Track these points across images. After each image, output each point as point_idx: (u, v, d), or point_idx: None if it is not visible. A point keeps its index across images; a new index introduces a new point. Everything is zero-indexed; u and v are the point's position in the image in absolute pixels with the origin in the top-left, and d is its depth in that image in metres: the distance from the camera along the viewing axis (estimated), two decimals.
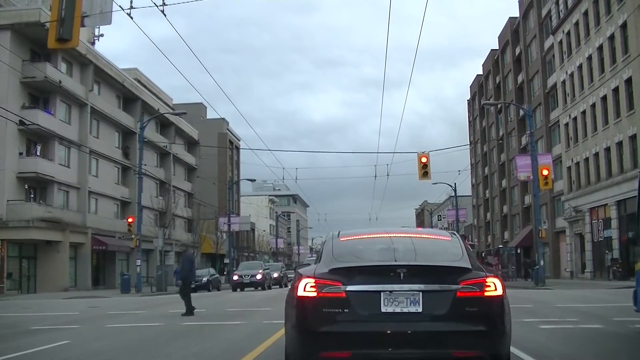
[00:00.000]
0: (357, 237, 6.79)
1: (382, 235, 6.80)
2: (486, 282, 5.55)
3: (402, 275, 5.48)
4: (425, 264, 5.79)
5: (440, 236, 7.05)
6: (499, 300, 5.56)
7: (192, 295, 16.40)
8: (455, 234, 6.76)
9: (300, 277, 5.81)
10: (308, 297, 5.56)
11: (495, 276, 5.66)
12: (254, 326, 11.82)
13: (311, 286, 5.57)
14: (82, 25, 12.50)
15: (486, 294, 5.50)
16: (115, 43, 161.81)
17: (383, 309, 5.45)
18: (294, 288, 5.80)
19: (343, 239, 6.61)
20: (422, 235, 7.07)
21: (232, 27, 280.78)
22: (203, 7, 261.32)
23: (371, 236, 6.95)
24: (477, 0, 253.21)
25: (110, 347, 9.20)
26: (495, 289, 5.56)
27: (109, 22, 12.48)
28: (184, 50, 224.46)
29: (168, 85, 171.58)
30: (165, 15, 16.94)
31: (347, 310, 5.44)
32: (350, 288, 5.48)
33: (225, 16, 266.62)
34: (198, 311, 16.89)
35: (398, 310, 5.44)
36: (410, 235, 6.78)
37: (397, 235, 6.73)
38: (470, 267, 5.73)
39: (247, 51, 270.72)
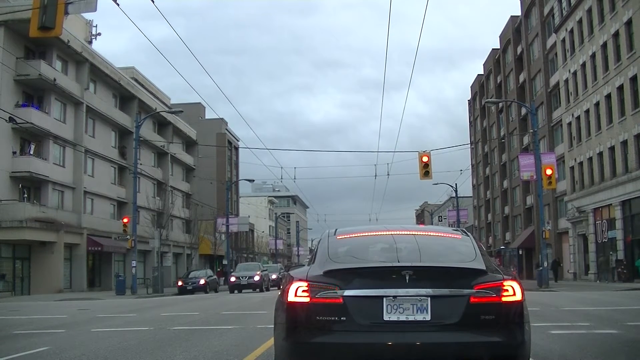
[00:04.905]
0: (355, 235, 6.05)
1: (384, 233, 6.07)
2: (504, 285, 4.86)
3: (407, 278, 4.78)
4: (434, 265, 5.09)
5: (449, 234, 6.33)
6: (518, 306, 4.87)
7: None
8: (466, 232, 6.04)
9: (291, 280, 5.11)
10: (300, 302, 4.86)
11: (514, 279, 4.96)
12: (247, 332, 11.16)
13: (303, 290, 4.88)
14: (66, 13, 11.82)
15: (504, 299, 4.81)
16: (115, 44, 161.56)
17: (386, 317, 4.76)
18: (284, 292, 5.10)
19: (340, 237, 5.89)
20: (428, 233, 6.30)
21: (232, 29, 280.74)
22: (203, 9, 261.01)
23: (371, 234, 6.22)
24: (477, 2, 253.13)
25: (87, 356, 8.51)
26: (514, 294, 4.86)
27: (94, 9, 11.78)
28: (183, 52, 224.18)
29: (168, 86, 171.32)
30: (156, 6, 16.31)
31: (345, 318, 4.75)
32: (348, 293, 4.79)
33: (225, 18, 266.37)
34: (191, 314, 16.25)
35: (403, 318, 4.75)
36: (415, 233, 6.05)
37: (400, 232, 5.99)
38: (485, 268, 5.03)
39: (247, 52, 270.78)
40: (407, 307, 4.77)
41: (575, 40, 43.20)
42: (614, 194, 37.03)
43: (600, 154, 39.46)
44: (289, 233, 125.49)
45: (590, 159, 41.25)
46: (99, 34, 51.25)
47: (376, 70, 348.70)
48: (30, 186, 38.98)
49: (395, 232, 5.96)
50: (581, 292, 25.19)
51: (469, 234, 6.00)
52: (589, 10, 40.50)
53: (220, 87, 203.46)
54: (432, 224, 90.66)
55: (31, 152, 38.48)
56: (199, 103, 67.59)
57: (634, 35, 34.12)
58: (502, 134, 68.25)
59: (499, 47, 69.67)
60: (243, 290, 37.54)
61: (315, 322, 4.79)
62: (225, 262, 57.26)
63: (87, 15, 47.85)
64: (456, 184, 60.60)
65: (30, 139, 38.48)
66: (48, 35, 12.30)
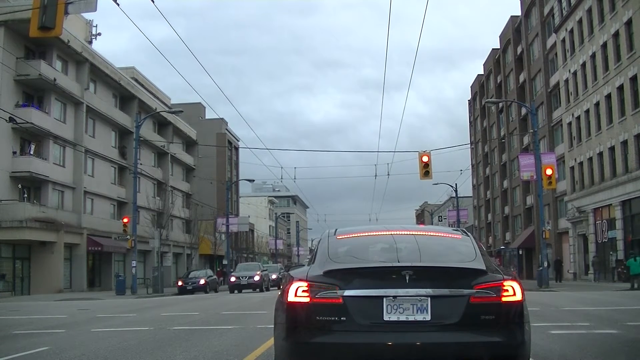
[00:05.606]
0: (355, 235, 6.05)
1: (384, 233, 6.07)
2: (504, 285, 4.85)
3: (407, 278, 4.78)
4: (434, 265, 5.09)
5: (449, 234, 6.33)
6: (519, 306, 4.87)
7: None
8: (466, 232, 6.04)
9: (291, 280, 5.11)
10: (300, 303, 4.86)
11: (514, 279, 4.95)
12: (247, 332, 11.16)
13: (303, 290, 4.87)
14: (66, 13, 11.82)
15: (504, 299, 4.81)
16: (115, 44, 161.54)
17: (386, 317, 4.75)
18: (284, 292, 5.10)
19: (340, 237, 5.88)
20: (428, 233, 6.29)
21: (232, 29, 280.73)
22: (203, 9, 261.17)
23: (371, 234, 6.22)
24: (477, 2, 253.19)
25: (87, 356, 8.51)
26: (514, 294, 4.86)
27: (94, 9, 11.79)
28: (184, 52, 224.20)
29: (168, 86, 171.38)
30: (156, 6, 16.31)
31: (345, 319, 4.75)
32: (348, 293, 4.78)
33: (225, 18, 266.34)
34: (191, 314, 16.24)
35: (403, 318, 4.75)
36: (416, 233, 6.04)
37: (400, 232, 5.99)
38: (485, 268, 5.03)
39: (247, 52, 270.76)
40: (407, 307, 4.76)
41: (575, 40, 43.19)
42: (614, 194, 37.03)
43: (601, 154, 39.46)
44: (289, 233, 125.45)
45: (590, 159, 41.24)
46: (99, 34, 51.27)
47: (376, 70, 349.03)
48: (30, 186, 38.98)
49: (395, 232, 5.96)
50: (581, 292, 25.20)
51: (469, 234, 6.00)
52: (589, 10, 40.49)
53: (220, 87, 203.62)
54: (432, 224, 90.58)
55: (31, 152, 38.47)
56: (199, 103, 67.58)
57: (634, 35, 34.11)
58: (502, 134, 68.24)
59: (499, 47, 69.66)
60: (243, 290, 37.54)
61: (315, 322, 4.79)
62: (225, 262, 57.25)
63: (87, 15, 47.86)
64: (456, 184, 60.68)
65: (30, 139, 38.47)
66: (48, 35, 12.31)
